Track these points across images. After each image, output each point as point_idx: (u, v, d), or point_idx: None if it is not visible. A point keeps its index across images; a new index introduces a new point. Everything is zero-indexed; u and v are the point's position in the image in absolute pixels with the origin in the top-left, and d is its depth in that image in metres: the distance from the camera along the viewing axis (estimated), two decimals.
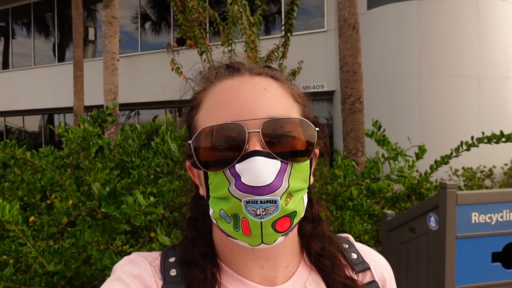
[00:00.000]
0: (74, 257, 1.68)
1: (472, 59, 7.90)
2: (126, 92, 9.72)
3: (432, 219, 1.87)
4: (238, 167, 0.52)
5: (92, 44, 14.09)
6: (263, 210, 0.52)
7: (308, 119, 0.61)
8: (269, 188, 0.51)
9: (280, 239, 0.56)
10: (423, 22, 8.00)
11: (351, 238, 0.74)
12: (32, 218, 2.41)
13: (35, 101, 14.23)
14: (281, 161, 0.53)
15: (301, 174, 0.56)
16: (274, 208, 0.52)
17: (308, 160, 0.57)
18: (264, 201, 0.51)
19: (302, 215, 0.58)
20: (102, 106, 4.21)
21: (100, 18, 13.58)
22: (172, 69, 4.74)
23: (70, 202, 2.32)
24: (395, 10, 8.22)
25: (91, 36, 14.00)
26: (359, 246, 0.73)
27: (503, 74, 8.18)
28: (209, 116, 0.58)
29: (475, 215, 1.80)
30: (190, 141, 0.57)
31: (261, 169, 0.51)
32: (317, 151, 0.64)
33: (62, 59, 14.35)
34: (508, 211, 1.84)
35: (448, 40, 7.89)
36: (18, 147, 1.98)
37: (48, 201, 2.74)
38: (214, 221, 0.58)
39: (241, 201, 0.52)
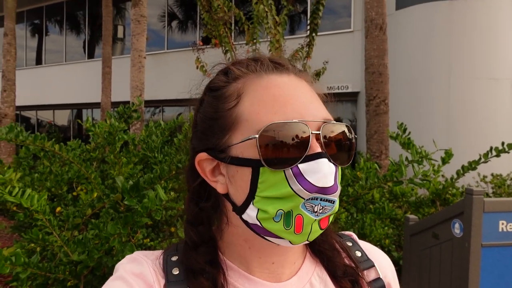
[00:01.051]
0: (97, 248, 1.72)
1: (505, 61, 7.60)
2: (152, 89, 9.91)
3: (457, 225, 1.81)
4: (303, 167, 0.53)
5: (121, 42, 14.44)
6: (321, 207, 0.53)
7: None
8: (332, 189, 0.53)
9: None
10: (453, 23, 7.76)
11: (354, 236, 0.74)
12: (58, 209, 2.49)
13: (65, 96, 14.73)
14: (334, 164, 0.55)
15: (340, 177, 0.59)
16: (330, 208, 0.54)
17: None
18: (324, 199, 0.53)
19: None
20: (128, 102, 4.31)
21: (129, 16, 13.90)
22: (197, 67, 4.80)
23: (95, 194, 2.39)
24: (424, 10, 8.01)
25: (119, 34, 14.35)
26: (363, 244, 0.73)
27: None
28: (262, 110, 0.55)
29: (502, 223, 1.73)
30: (253, 136, 0.53)
31: (327, 171, 0.53)
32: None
33: (92, 56, 14.79)
34: None
35: (480, 42, 7.62)
36: (48, 140, 2.06)
37: (74, 193, 2.83)
38: (257, 222, 0.55)
39: (304, 199, 0.53)
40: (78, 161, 2.45)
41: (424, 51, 8.00)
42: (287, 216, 0.53)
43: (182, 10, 13.31)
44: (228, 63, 0.63)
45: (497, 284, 1.76)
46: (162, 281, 0.58)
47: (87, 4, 14.59)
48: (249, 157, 0.54)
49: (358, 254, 0.69)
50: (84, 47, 15.00)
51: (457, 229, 1.82)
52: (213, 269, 0.58)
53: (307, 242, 0.56)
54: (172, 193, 1.64)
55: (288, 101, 0.55)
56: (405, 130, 2.94)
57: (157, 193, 1.62)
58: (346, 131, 0.58)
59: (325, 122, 0.55)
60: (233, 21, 4.93)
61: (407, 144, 2.79)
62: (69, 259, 1.77)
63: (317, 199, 0.52)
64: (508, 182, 6.15)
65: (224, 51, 4.69)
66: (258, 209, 0.54)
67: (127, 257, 0.62)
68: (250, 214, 0.55)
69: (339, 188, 0.55)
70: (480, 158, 2.60)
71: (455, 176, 2.84)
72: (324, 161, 0.53)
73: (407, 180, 1.94)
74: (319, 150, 0.53)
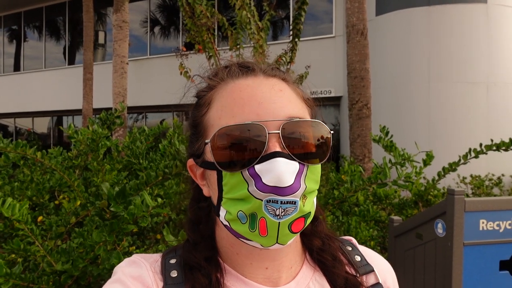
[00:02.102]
0: (81, 257, 1.69)
1: (481, 66, 7.85)
2: (135, 95, 9.82)
3: (440, 225, 1.86)
4: (258, 168, 0.52)
5: (102, 48, 14.26)
6: (282, 210, 0.52)
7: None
8: (290, 189, 0.51)
9: (292, 239, 0.56)
10: (431, 28, 7.98)
11: (354, 241, 0.73)
12: (40, 218, 2.44)
13: (45, 103, 14.42)
14: (299, 163, 0.53)
15: (315, 176, 0.57)
16: (293, 209, 0.52)
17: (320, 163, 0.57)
18: (284, 201, 0.51)
19: (313, 215, 0.58)
20: (110, 108, 4.26)
21: (110, 22, 13.75)
22: (181, 73, 4.78)
23: (78, 202, 2.35)
24: (403, 16, 8.21)
25: (101, 40, 14.18)
26: (363, 249, 0.72)
27: None
28: (223, 115, 0.57)
29: (483, 222, 1.78)
30: (207, 140, 0.56)
31: (283, 170, 0.51)
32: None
33: (72, 62, 14.55)
34: None
35: (457, 47, 7.86)
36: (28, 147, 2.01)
37: (56, 202, 2.77)
38: (226, 223, 0.57)
39: (262, 200, 0.52)
40: (61, 169, 2.41)
41: (404, 55, 8.19)
42: (252, 219, 0.53)
43: (164, 15, 13.26)
44: (206, 77, 0.66)
45: (478, 281, 1.81)
46: (161, 284, 0.59)
47: (67, 10, 14.36)
48: (213, 161, 0.56)
49: (358, 258, 0.68)
50: (64, 53, 14.75)
51: (440, 229, 1.87)
52: (209, 266, 0.59)
53: (279, 245, 0.54)
54: (158, 199, 1.63)
55: (246, 103, 0.55)
56: (387, 133, 3.00)
57: (143, 199, 1.60)
58: (316, 127, 0.57)
59: (287, 121, 0.54)
60: (216, 27, 4.94)
61: (390, 147, 2.84)
62: (52, 269, 1.73)
63: (277, 202, 0.51)
64: (487, 182, 6.33)
65: (208, 56, 4.69)
66: (226, 211, 0.56)
67: (126, 260, 0.63)
68: (221, 215, 0.57)
69: (303, 187, 0.53)
70: (459, 160, 2.67)
71: (436, 177, 2.91)
72: (278, 160, 0.51)
73: (391, 182, 1.98)
74: (276, 149, 0.52)
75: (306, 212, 0.54)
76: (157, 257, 0.63)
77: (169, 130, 3.18)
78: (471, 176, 6.45)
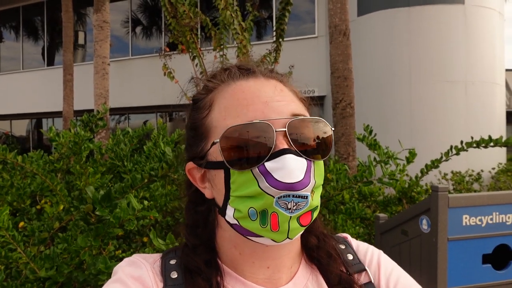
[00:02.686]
0: (66, 262, 1.65)
1: (459, 65, 8.05)
2: (116, 96, 9.66)
3: (424, 221, 1.89)
4: (269, 165, 0.53)
5: (82, 48, 13.99)
6: (294, 204, 0.53)
7: None
8: (301, 184, 0.53)
9: (300, 233, 0.57)
10: (412, 29, 8.14)
11: (349, 238, 0.74)
12: (21, 224, 2.37)
13: (23, 105, 14.04)
14: (306, 159, 0.55)
15: (321, 171, 0.59)
16: (304, 203, 0.54)
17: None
18: (296, 195, 0.53)
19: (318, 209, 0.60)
20: (91, 110, 4.17)
21: (90, 22, 13.51)
22: (164, 74, 4.73)
23: (61, 207, 2.29)
24: (385, 16, 8.35)
25: (80, 40, 13.91)
26: (355, 244, 0.73)
27: (490, 80, 8.34)
28: (227, 116, 0.58)
29: (465, 218, 1.83)
30: (216, 140, 0.57)
31: (294, 167, 0.53)
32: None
33: (51, 63, 14.21)
34: (497, 213, 1.88)
35: (436, 47, 8.04)
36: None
37: (38, 206, 2.70)
38: (235, 221, 0.57)
39: (274, 197, 0.53)
40: (43, 173, 2.35)
41: (386, 55, 8.32)
42: (263, 214, 0.54)
43: (146, 16, 13.10)
44: (204, 79, 0.67)
45: (463, 275, 1.85)
46: (161, 285, 0.59)
47: (45, 10, 14.03)
48: (220, 160, 0.56)
49: (350, 257, 0.69)
50: (43, 54, 14.40)
51: (424, 225, 1.91)
52: (209, 270, 0.59)
53: (289, 240, 0.55)
54: (145, 201, 1.60)
55: (250, 103, 0.57)
56: (371, 132, 3.04)
57: (129, 202, 1.58)
58: (319, 125, 0.59)
59: (293, 118, 0.56)
60: (199, 27, 4.91)
61: (374, 145, 2.88)
62: (36, 276, 1.69)
63: (289, 196, 0.52)
64: (467, 178, 6.49)
65: (192, 57, 4.66)
66: (234, 209, 0.56)
67: (126, 259, 0.62)
68: (229, 214, 0.57)
69: (313, 182, 0.55)
70: (441, 157, 2.73)
71: (419, 174, 2.97)
72: (289, 157, 0.53)
73: (376, 179, 2.01)
74: (284, 146, 0.54)
75: (315, 206, 0.56)
76: (156, 258, 0.63)
77: (153, 131, 3.15)
78: (452, 172, 6.60)
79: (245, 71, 0.62)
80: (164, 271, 0.60)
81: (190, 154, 0.64)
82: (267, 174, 0.53)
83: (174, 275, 0.59)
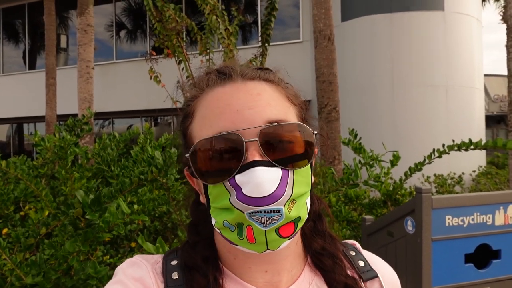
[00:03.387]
0: (53, 268, 1.63)
1: (440, 70, 8.26)
2: (101, 100, 9.53)
3: (409, 223, 1.95)
4: (238, 178, 0.51)
5: (64, 52, 13.76)
6: (268, 219, 0.51)
7: (306, 120, 0.61)
8: (271, 198, 0.50)
9: (285, 243, 0.55)
10: (393, 35, 8.32)
11: (358, 245, 0.72)
12: (5, 230, 2.33)
13: (3, 110, 13.70)
14: (282, 169, 0.52)
15: (304, 178, 0.55)
16: (278, 217, 0.51)
17: (309, 164, 0.56)
18: (268, 210, 0.50)
19: (306, 218, 0.57)
20: (75, 115, 4.12)
21: (73, 25, 13.31)
22: (151, 77, 4.71)
23: (46, 213, 2.26)
24: (367, 22, 8.51)
25: (63, 44, 13.68)
26: (367, 254, 0.70)
27: (469, 84, 8.59)
28: (203, 126, 0.56)
29: (448, 218, 1.89)
30: (187, 155, 0.56)
31: (262, 180, 0.50)
32: (315, 149, 0.63)
33: (33, 66, 13.93)
34: (479, 214, 1.94)
35: (418, 52, 8.23)
36: None
37: (22, 213, 2.65)
38: (218, 230, 0.57)
39: (244, 212, 0.51)
40: (27, 178, 2.31)
41: (369, 60, 8.48)
42: (239, 227, 0.53)
43: (130, 19, 12.99)
44: (188, 87, 0.66)
45: (446, 274, 1.91)
46: (161, 286, 0.58)
47: (27, 12, 13.76)
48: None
49: (361, 264, 0.66)
50: (24, 58, 14.09)
51: (409, 226, 1.96)
52: (206, 266, 0.59)
53: (269, 250, 0.54)
54: (135, 205, 1.60)
55: (222, 112, 0.55)
56: (356, 135, 3.10)
57: (118, 206, 1.57)
58: (298, 129, 0.55)
59: (264, 127, 0.52)
60: (185, 31, 4.91)
61: (359, 149, 2.94)
62: (22, 283, 1.66)
63: (260, 212, 0.50)
64: (449, 181, 6.65)
65: (178, 61, 4.65)
66: (215, 220, 0.56)
67: (127, 260, 0.62)
68: (213, 222, 0.57)
69: (289, 192, 0.52)
70: (425, 160, 2.81)
71: (403, 177, 3.04)
72: (256, 169, 0.50)
73: (363, 182, 2.05)
74: (255, 158, 0.51)
75: (293, 217, 0.53)
76: (158, 258, 0.63)
77: (139, 136, 3.13)
78: (434, 175, 6.76)
79: (222, 75, 0.60)
80: (165, 272, 0.60)
81: (183, 160, 0.64)
82: (237, 188, 0.51)
83: (175, 276, 0.59)
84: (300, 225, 0.55)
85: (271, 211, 0.50)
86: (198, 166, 0.55)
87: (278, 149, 0.53)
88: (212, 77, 0.60)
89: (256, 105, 0.55)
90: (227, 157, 0.52)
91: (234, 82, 0.58)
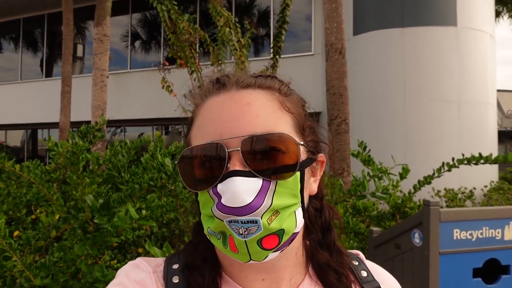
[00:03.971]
0: (62, 271, 1.66)
1: (452, 85, 8.20)
2: (113, 108, 9.70)
3: (417, 235, 1.93)
4: (220, 187, 0.52)
5: (80, 61, 14.09)
6: (245, 229, 0.51)
7: (304, 127, 0.61)
8: (248, 208, 0.50)
9: (272, 255, 0.54)
10: (406, 49, 8.31)
11: (361, 256, 0.71)
12: (16, 233, 2.37)
13: (19, 116, 14.02)
14: (263, 179, 0.52)
15: (289, 190, 0.54)
16: (256, 228, 0.51)
17: (297, 174, 0.55)
18: (244, 221, 0.51)
19: (295, 230, 0.55)
20: (88, 122, 4.20)
21: (89, 35, 13.64)
22: (163, 87, 4.80)
23: (57, 216, 2.30)
24: (379, 36, 8.53)
25: (79, 53, 14.02)
26: (370, 264, 0.70)
27: (482, 100, 8.50)
28: (197, 135, 0.58)
29: (456, 232, 1.87)
30: (176, 162, 0.58)
31: (238, 190, 0.50)
32: (323, 158, 0.64)
33: (50, 74, 14.27)
34: (487, 228, 1.92)
35: (430, 67, 8.20)
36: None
37: (33, 216, 2.70)
38: (208, 238, 0.58)
39: (223, 221, 0.52)
40: (40, 182, 2.37)
41: (381, 74, 8.47)
42: (223, 235, 0.54)
43: (145, 30, 13.27)
44: (192, 96, 0.67)
45: None
46: None
47: (46, 22, 14.17)
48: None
49: (364, 274, 0.66)
50: (41, 66, 14.46)
51: (417, 238, 1.94)
52: (206, 266, 0.60)
53: (253, 261, 0.54)
54: (143, 211, 1.63)
55: (212, 122, 0.56)
56: (365, 148, 3.10)
57: (127, 211, 1.60)
58: (281, 141, 0.54)
59: (246, 137, 0.53)
60: (198, 43, 5.01)
61: (368, 161, 2.94)
62: (31, 285, 1.69)
63: (238, 222, 0.51)
64: (460, 195, 6.54)
65: (190, 71, 4.73)
66: (204, 226, 0.57)
67: (130, 263, 0.63)
68: (205, 229, 0.58)
69: (267, 204, 0.51)
70: (434, 173, 2.78)
71: (412, 190, 3.01)
72: (234, 179, 0.51)
73: (370, 193, 2.05)
74: (235, 168, 0.52)
75: (275, 229, 0.52)
76: (160, 262, 0.64)
77: (150, 143, 3.18)
78: (445, 189, 6.66)
79: (218, 84, 0.61)
80: (166, 276, 0.60)
81: None
82: (218, 196, 0.52)
83: (175, 279, 0.59)
84: (285, 237, 0.54)
85: (247, 222, 0.51)
86: (184, 174, 0.57)
87: (259, 159, 0.53)
88: (209, 87, 0.62)
89: (243, 116, 0.55)
90: (211, 166, 0.54)
91: (228, 91, 0.59)
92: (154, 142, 3.22)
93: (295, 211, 0.55)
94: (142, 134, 12.89)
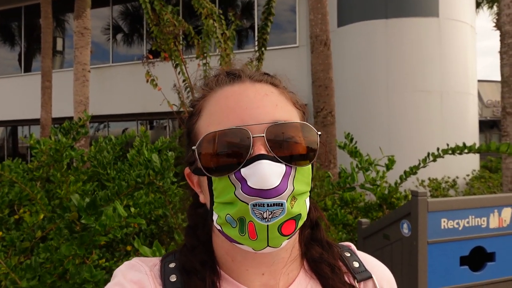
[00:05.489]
0: (49, 272, 1.62)
1: (434, 76, 8.33)
2: (96, 103, 9.50)
3: (405, 226, 1.96)
4: (244, 171, 0.53)
5: (60, 55, 13.73)
6: (270, 213, 0.52)
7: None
8: (275, 191, 0.52)
9: (285, 242, 0.56)
10: (389, 40, 8.39)
11: (353, 247, 0.73)
12: (0, 234, 2.31)
13: None
14: (285, 165, 0.54)
15: (304, 178, 0.57)
16: (280, 211, 0.52)
17: (310, 164, 0.58)
18: (271, 204, 0.52)
19: (305, 218, 0.58)
20: (70, 118, 4.11)
21: (69, 28, 13.28)
22: (147, 81, 4.71)
23: (41, 216, 2.25)
24: (363, 28, 8.58)
25: (59, 47, 13.65)
26: (361, 254, 0.72)
27: (464, 90, 8.67)
28: (211, 122, 0.58)
29: (444, 221, 1.90)
30: (194, 147, 0.57)
31: (267, 172, 0.52)
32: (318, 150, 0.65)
33: (28, 69, 13.87)
34: (473, 216, 1.96)
35: (413, 58, 8.30)
36: None
37: (16, 216, 2.63)
38: (219, 227, 0.58)
39: (248, 204, 0.52)
40: (22, 181, 2.30)
41: (365, 65, 8.54)
42: (241, 223, 0.54)
43: (127, 22, 13.00)
44: (199, 87, 0.68)
45: (442, 277, 1.92)
46: None
47: (23, 15, 13.72)
48: (201, 167, 0.57)
49: (356, 264, 0.68)
50: (19, 60, 14.04)
51: (405, 229, 1.97)
52: (204, 270, 0.60)
53: (271, 248, 0.55)
54: (132, 209, 1.60)
55: (231, 110, 0.57)
56: (352, 139, 3.12)
57: (115, 209, 1.57)
58: (303, 130, 0.57)
59: (271, 124, 0.55)
60: (181, 35, 4.93)
61: (355, 153, 2.96)
62: (16, 287, 1.65)
63: (263, 205, 0.52)
64: (443, 185, 6.69)
65: (174, 65, 4.66)
66: (218, 215, 0.57)
67: (126, 263, 0.63)
68: (214, 219, 0.58)
69: (290, 188, 0.53)
70: (419, 163, 2.83)
71: (398, 181, 3.06)
72: (262, 162, 0.52)
73: (359, 185, 2.07)
74: (261, 152, 0.53)
75: (295, 213, 0.55)
76: (156, 261, 0.64)
77: (135, 139, 3.13)
78: (429, 179, 6.80)
79: (231, 76, 0.62)
80: (163, 275, 0.60)
81: (186, 159, 0.65)
82: (242, 181, 0.53)
83: (173, 278, 0.60)
84: (300, 223, 0.57)
85: (273, 204, 0.52)
86: (204, 159, 0.56)
87: (283, 146, 0.55)
88: (221, 77, 0.63)
89: (264, 105, 0.57)
90: (234, 151, 0.54)
91: (242, 82, 0.61)
92: (139, 138, 3.17)
93: (305, 199, 0.58)
94: (126, 129, 12.69)
